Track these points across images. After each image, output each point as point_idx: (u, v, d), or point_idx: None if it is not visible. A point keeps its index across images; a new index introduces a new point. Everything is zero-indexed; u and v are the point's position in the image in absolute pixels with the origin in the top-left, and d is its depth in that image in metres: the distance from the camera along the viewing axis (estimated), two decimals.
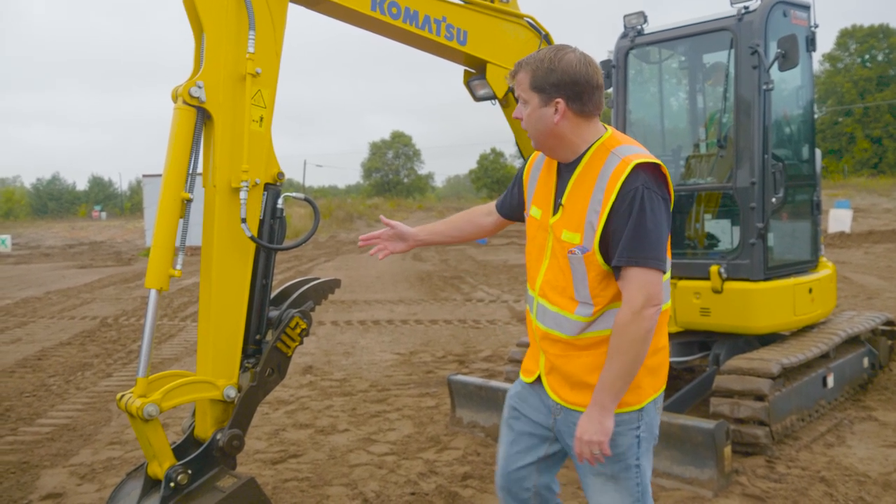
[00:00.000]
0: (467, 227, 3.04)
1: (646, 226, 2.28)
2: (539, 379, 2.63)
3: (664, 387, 2.55)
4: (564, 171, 2.52)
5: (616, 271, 2.35)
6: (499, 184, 71.32)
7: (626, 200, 2.30)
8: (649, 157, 2.36)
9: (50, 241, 38.36)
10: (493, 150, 74.80)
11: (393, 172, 79.10)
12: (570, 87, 2.38)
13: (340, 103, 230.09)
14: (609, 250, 2.35)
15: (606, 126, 2.54)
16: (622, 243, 2.30)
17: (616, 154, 2.39)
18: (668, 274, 2.48)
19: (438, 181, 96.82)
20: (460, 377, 5.68)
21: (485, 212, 3.02)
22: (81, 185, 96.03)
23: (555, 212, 2.51)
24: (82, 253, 30.69)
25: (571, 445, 2.50)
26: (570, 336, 2.48)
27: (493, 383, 5.45)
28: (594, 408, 2.35)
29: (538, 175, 2.66)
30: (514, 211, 2.88)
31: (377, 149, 79.05)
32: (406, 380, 7.35)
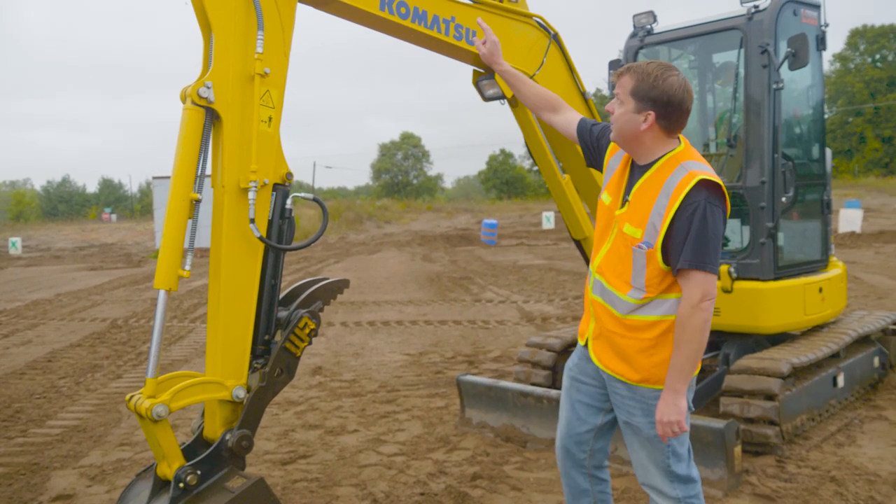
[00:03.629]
0: (544, 104, 3.35)
1: (707, 235, 2.61)
2: (587, 343, 2.99)
3: (696, 373, 2.83)
4: (636, 171, 2.84)
5: (676, 269, 2.67)
6: (508, 185, 71.24)
7: (688, 210, 2.61)
8: (713, 176, 2.66)
9: (60, 243, 38.54)
10: (503, 151, 74.79)
11: (402, 174, 79.16)
12: (665, 106, 2.69)
13: (339, 107, 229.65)
14: (669, 251, 2.67)
15: (681, 138, 2.83)
16: (686, 248, 2.62)
17: (684, 167, 2.69)
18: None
19: (448, 182, 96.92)
20: (469, 377, 5.68)
21: (565, 109, 3.32)
22: (91, 188, 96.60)
23: (622, 205, 2.84)
24: (92, 255, 30.81)
25: (616, 409, 2.93)
26: (621, 314, 2.81)
27: (503, 383, 5.44)
28: (668, 392, 2.70)
29: (616, 165, 2.96)
30: (585, 145, 3.17)
31: (387, 150, 79.13)
32: (415, 380, 7.35)
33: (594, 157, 3.16)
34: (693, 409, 2.92)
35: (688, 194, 2.61)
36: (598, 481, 3.17)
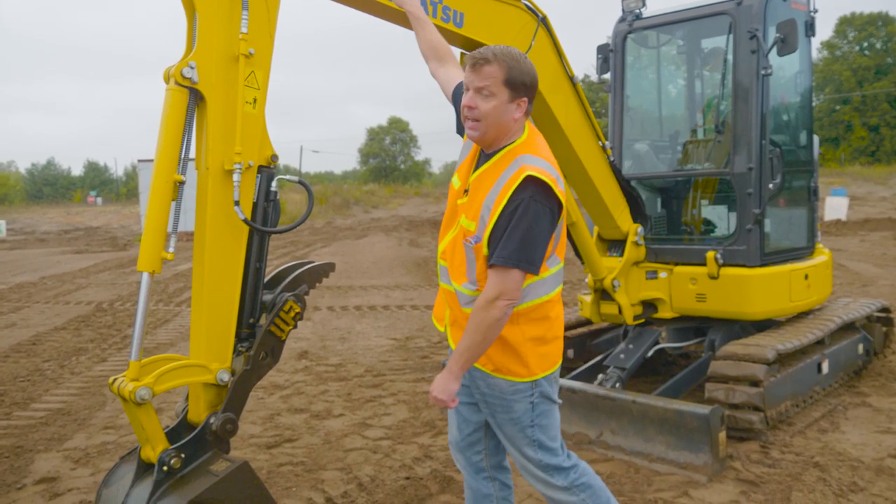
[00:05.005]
0: (433, 53, 3.24)
1: (525, 232, 2.51)
2: (446, 328, 2.94)
3: (556, 367, 2.82)
4: (481, 158, 2.76)
5: (489, 264, 2.60)
6: None
7: (512, 206, 2.52)
8: (542, 172, 2.54)
9: (45, 226, 38.23)
10: None
11: (390, 158, 78.88)
12: (532, 90, 2.65)
13: (326, 92, 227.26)
14: (490, 245, 2.59)
15: (527, 125, 2.73)
16: (500, 243, 2.53)
17: (519, 161, 2.59)
18: (559, 266, 2.77)
19: (435, 167, 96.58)
20: None
21: (451, 65, 3.21)
22: (77, 171, 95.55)
23: (465, 193, 2.76)
24: (78, 238, 30.58)
25: (481, 408, 2.88)
26: (461, 305, 2.77)
27: None
28: (445, 371, 2.63)
29: (470, 149, 2.85)
30: (458, 111, 2.91)
31: (374, 135, 78.79)
32: (401, 365, 7.35)
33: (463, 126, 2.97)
34: (560, 402, 2.86)
35: (515, 190, 2.53)
36: (502, 486, 3.09)
